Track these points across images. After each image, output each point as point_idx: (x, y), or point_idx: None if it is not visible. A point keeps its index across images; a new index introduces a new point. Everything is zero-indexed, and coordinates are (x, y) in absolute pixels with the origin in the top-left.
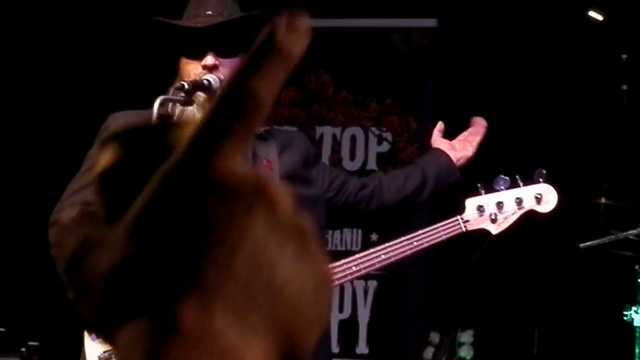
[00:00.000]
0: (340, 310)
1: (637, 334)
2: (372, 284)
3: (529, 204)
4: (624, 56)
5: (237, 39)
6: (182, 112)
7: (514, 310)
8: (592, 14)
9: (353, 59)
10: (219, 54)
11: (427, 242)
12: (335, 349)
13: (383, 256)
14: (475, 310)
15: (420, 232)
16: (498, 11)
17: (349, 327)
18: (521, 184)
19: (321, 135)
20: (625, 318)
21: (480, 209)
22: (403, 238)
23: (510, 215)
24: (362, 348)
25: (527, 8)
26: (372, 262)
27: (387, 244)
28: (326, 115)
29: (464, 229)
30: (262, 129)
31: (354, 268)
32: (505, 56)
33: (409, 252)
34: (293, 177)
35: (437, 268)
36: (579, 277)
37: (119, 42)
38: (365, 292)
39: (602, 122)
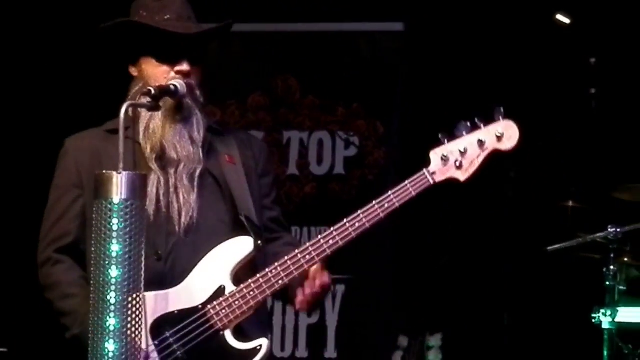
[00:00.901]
0: (309, 314)
1: (606, 337)
2: (340, 288)
3: (492, 144)
4: (592, 60)
5: (206, 47)
6: (149, 117)
7: (482, 313)
8: (560, 17)
9: (320, 63)
10: (191, 60)
11: (397, 201)
12: (304, 353)
13: (357, 224)
14: (444, 313)
15: (389, 192)
16: (465, 15)
17: (317, 332)
18: (482, 125)
19: (288, 140)
20: (593, 321)
21: (445, 158)
22: (374, 202)
23: (475, 159)
24: (330, 352)
25: (495, 11)
26: (348, 231)
27: (359, 212)
28: (293, 120)
29: (431, 182)
30: (218, 126)
31: (331, 242)
32: (473, 60)
33: (382, 214)
34: (250, 174)
35: (405, 271)
36: (547, 280)
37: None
38: (334, 296)
39: (570, 125)
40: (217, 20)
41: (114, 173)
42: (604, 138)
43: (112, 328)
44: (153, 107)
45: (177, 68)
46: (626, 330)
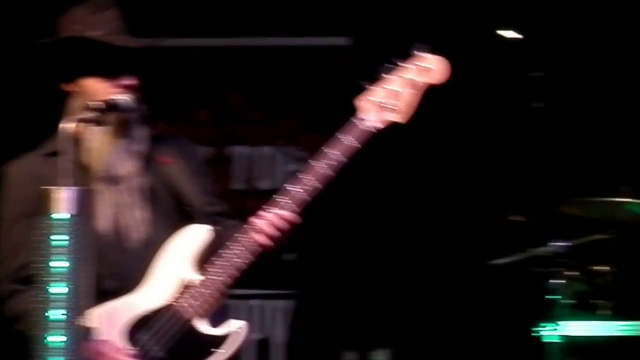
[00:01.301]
0: (256, 330)
1: (551, 351)
2: (287, 304)
3: (421, 80)
4: (537, 74)
5: (149, 61)
6: (91, 135)
7: (429, 328)
8: (505, 32)
9: (266, 78)
10: (135, 75)
11: (341, 153)
12: None
13: (304, 186)
14: (392, 328)
15: (326, 150)
16: (411, 29)
17: (264, 348)
18: (408, 65)
19: (234, 155)
20: (536, 334)
21: (376, 103)
22: (317, 160)
23: (410, 99)
24: None
25: (439, 24)
26: (299, 194)
27: (303, 175)
28: (239, 135)
29: (368, 128)
30: (155, 133)
31: (284, 206)
32: None
33: (329, 169)
34: (191, 172)
35: (353, 287)
36: (492, 293)
37: None
38: (281, 311)
39: (514, 139)
40: (157, 36)
41: (56, 188)
42: (548, 152)
43: (55, 345)
44: (99, 122)
45: (121, 82)
46: (572, 344)
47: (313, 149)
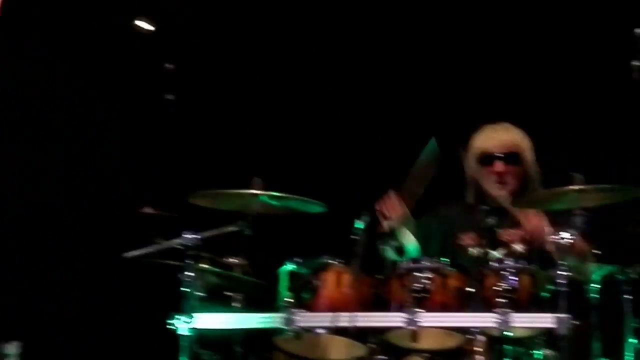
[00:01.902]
0: None
1: (184, 343)
2: None
3: None
4: (169, 66)
5: None
6: None
7: (62, 321)
8: (140, 23)
9: None
10: None
11: None
12: None
13: None
14: (23, 321)
15: None
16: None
17: None
18: None
19: None
20: (171, 327)
21: None
22: None
23: None
24: None
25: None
26: None
27: None
28: None
29: None
30: None
31: None
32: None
33: None
34: None
35: None
36: (125, 286)
37: None
38: None
39: (146, 131)
40: None
41: None
42: (181, 144)
43: None
44: None
45: None
46: (204, 337)
47: None
